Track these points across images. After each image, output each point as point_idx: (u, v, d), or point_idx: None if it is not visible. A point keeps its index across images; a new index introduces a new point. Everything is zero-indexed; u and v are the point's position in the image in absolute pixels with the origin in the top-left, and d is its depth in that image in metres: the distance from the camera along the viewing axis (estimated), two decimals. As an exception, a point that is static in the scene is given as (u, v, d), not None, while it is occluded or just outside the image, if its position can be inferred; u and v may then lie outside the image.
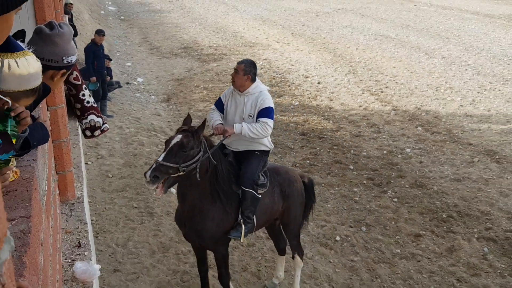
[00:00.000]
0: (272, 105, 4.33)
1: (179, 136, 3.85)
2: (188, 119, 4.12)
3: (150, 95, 11.90)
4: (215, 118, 4.43)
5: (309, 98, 11.61)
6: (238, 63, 4.36)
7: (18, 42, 1.80)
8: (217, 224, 4.21)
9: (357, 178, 7.57)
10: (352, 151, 8.54)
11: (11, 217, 1.59)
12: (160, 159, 3.74)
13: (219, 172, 4.11)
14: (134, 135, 8.97)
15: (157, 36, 19.30)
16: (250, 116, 4.30)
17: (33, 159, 2.09)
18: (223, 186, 4.16)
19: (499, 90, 12.04)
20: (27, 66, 1.72)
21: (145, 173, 3.70)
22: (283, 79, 13.24)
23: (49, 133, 2.39)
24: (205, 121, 4.03)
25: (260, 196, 4.35)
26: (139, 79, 13.07)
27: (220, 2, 29.65)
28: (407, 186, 7.29)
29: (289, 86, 12.64)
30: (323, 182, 7.33)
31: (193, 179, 3.95)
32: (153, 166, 3.69)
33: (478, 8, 25.65)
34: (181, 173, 3.78)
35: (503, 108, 10.72)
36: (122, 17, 23.56)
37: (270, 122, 4.25)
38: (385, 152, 8.51)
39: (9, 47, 1.70)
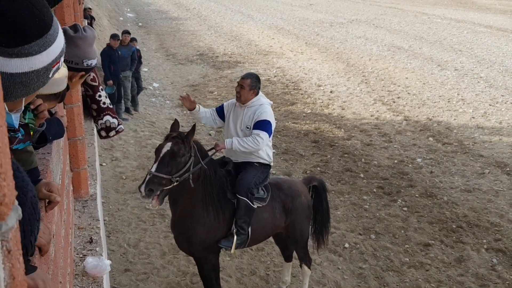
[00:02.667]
0: (270, 119, 4.19)
1: (169, 144, 3.77)
2: (176, 125, 4.03)
3: (165, 100, 12.06)
4: (203, 111, 4.46)
5: (321, 106, 11.67)
6: (243, 77, 4.22)
7: None
8: (208, 230, 4.07)
9: (367, 186, 7.59)
10: (363, 159, 8.56)
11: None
12: (153, 170, 3.66)
13: (207, 177, 4.01)
14: (148, 138, 9.11)
15: (174, 43, 19.56)
16: (247, 127, 4.20)
17: (48, 152, 2.14)
18: (213, 191, 4.06)
19: (511, 103, 11.98)
20: None
21: (139, 187, 3.63)
22: (296, 87, 13.32)
23: (65, 128, 2.41)
24: (194, 126, 3.94)
25: (255, 207, 4.20)
26: (155, 84, 13.26)
27: (236, 11, 29.96)
28: (417, 195, 7.29)
29: (301, 94, 12.72)
30: (333, 190, 7.35)
31: (186, 185, 3.86)
32: (147, 178, 3.62)
33: (491, 22, 25.52)
34: (175, 183, 3.73)
35: (514, 121, 10.67)
36: (140, 24, 23.93)
37: (262, 134, 4.10)
38: (395, 161, 8.51)
39: None
